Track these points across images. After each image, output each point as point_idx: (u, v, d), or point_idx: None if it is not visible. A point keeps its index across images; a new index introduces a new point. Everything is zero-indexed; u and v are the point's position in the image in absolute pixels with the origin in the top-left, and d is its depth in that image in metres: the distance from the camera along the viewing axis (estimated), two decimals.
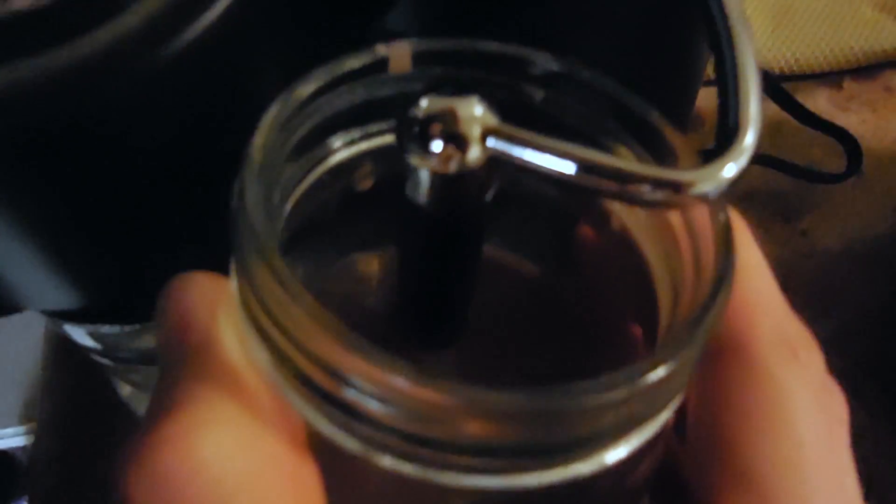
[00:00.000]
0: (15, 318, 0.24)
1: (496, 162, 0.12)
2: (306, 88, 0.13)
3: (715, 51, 0.14)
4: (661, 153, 0.13)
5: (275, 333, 0.11)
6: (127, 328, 0.23)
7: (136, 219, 0.17)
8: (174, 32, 0.13)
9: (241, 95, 0.16)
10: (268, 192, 0.11)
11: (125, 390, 0.31)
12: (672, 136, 0.13)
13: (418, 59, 0.14)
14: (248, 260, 0.11)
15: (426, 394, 0.10)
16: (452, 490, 0.11)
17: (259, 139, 0.12)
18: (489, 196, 0.13)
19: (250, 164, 0.11)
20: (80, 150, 0.15)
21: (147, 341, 0.25)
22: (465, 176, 0.13)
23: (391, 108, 0.13)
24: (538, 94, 0.14)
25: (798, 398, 0.12)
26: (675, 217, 0.13)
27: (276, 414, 0.11)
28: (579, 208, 0.16)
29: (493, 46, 0.14)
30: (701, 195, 0.12)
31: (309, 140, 0.13)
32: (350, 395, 0.10)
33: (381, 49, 0.13)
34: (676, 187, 0.12)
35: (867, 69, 0.43)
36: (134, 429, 0.11)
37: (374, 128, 0.14)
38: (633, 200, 0.12)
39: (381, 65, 0.13)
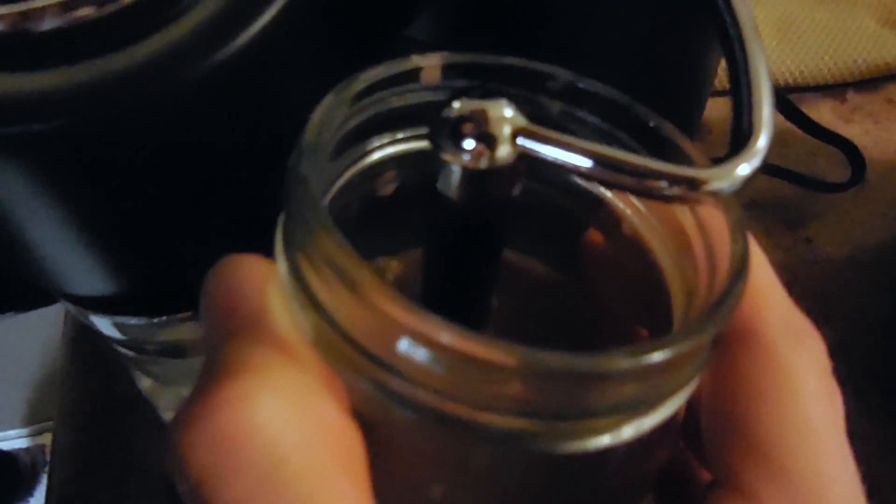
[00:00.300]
0: (19, 321, 0.25)
1: (524, 160, 0.13)
2: (353, 88, 0.13)
3: (728, 57, 0.14)
4: (675, 162, 0.14)
5: (328, 298, 0.11)
6: (154, 320, 0.24)
7: (171, 215, 0.18)
8: (220, 44, 0.14)
9: (276, 104, 0.16)
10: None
11: (145, 383, 0.32)
12: (686, 146, 0.14)
13: (447, 70, 0.15)
14: (307, 228, 0.11)
15: (479, 350, 0.10)
16: (481, 451, 0.12)
17: (314, 123, 0.12)
18: (516, 192, 0.14)
19: (306, 142, 0.12)
20: (126, 149, 0.15)
21: (171, 334, 0.26)
22: (494, 173, 0.13)
23: (420, 116, 0.14)
24: (555, 107, 0.15)
25: (806, 380, 0.13)
26: (687, 221, 0.14)
27: (324, 382, 0.12)
28: (590, 214, 0.16)
29: (515, 61, 0.15)
30: (716, 192, 0.13)
31: (345, 142, 0.14)
32: (401, 355, 0.11)
33: (416, 59, 0.14)
34: (693, 184, 0.13)
35: (870, 81, 0.44)
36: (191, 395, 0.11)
37: (401, 134, 0.15)
38: (651, 195, 0.13)
39: (415, 74, 0.14)
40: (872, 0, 0.45)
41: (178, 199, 0.17)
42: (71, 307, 0.24)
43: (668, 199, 0.13)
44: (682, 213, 0.14)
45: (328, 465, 0.11)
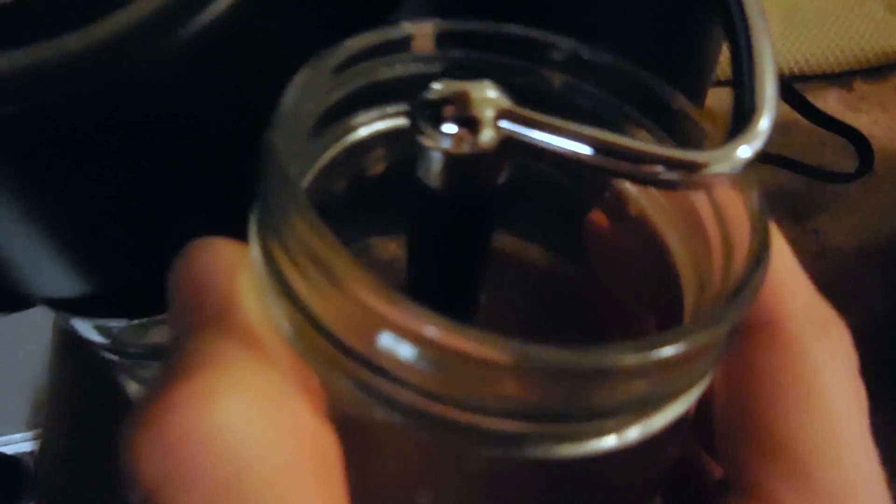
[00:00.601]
0: (23, 324, 0.24)
1: (509, 145, 0.12)
2: (334, 59, 0.12)
3: (730, 36, 0.13)
4: (686, 137, 0.13)
5: (304, 288, 0.10)
6: (134, 322, 0.23)
7: (143, 205, 0.17)
8: (189, 17, 0.13)
9: (253, 80, 0.15)
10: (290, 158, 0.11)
11: (132, 388, 0.31)
12: (700, 119, 0.13)
13: (441, 39, 0.13)
14: (281, 210, 0.10)
15: (469, 345, 0.09)
16: (472, 456, 0.11)
17: (290, 97, 0.12)
18: (501, 179, 0.13)
19: (280, 118, 0.11)
20: (93, 134, 0.14)
21: (154, 336, 0.25)
22: (478, 158, 0.12)
23: (410, 88, 0.13)
24: (558, 80, 0.14)
25: (831, 372, 0.12)
26: (700, 201, 0.13)
27: (298, 380, 0.11)
28: (594, 195, 0.15)
29: (514, 29, 0.14)
30: (716, 175, 0.12)
31: (327, 118, 0.13)
32: (383, 352, 0.10)
33: (407, 26, 0.13)
34: (690, 167, 0.12)
35: (878, 70, 0.43)
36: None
37: (391, 109, 0.14)
38: (647, 181, 0.12)
39: (405, 42, 0.13)
40: None
41: (149, 188, 0.17)
42: (52, 317, 0.23)
43: (667, 186, 0.12)
44: (696, 194, 0.13)
45: (298, 474, 0.10)
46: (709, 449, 0.14)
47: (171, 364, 0.10)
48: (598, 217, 0.15)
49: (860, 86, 0.43)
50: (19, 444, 1.12)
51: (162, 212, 0.17)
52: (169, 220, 0.18)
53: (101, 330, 0.24)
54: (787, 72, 0.42)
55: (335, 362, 0.11)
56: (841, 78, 0.43)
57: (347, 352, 0.10)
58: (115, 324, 0.24)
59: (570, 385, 0.10)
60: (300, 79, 0.12)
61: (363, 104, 0.14)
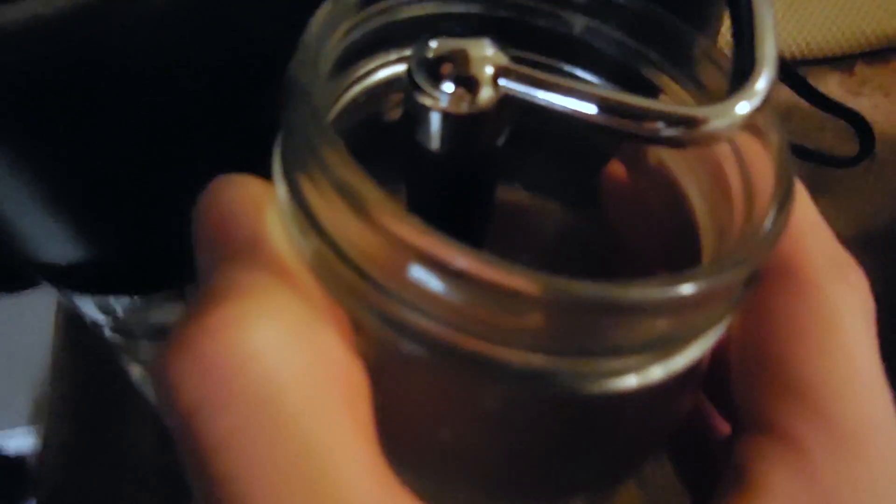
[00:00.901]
0: (26, 315, 0.24)
1: (507, 103, 0.12)
2: None
3: None
4: (706, 82, 0.13)
5: (333, 221, 0.10)
6: (137, 300, 0.23)
7: (145, 167, 0.17)
8: None
9: (244, 42, 0.15)
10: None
11: (136, 372, 0.31)
12: (722, 61, 0.13)
13: None
14: (309, 144, 0.10)
15: (499, 276, 0.09)
16: (495, 393, 0.11)
17: (317, 24, 0.11)
18: (501, 140, 0.13)
19: (307, 47, 0.11)
20: (81, 95, 0.14)
21: (157, 315, 0.25)
22: (477, 118, 0.12)
23: (433, 30, 0.13)
24: (580, 24, 0.14)
25: (850, 316, 0.12)
26: (722, 149, 0.13)
27: (328, 313, 0.11)
28: (611, 145, 0.15)
29: None
30: (714, 132, 0.12)
31: (347, 57, 0.13)
32: (412, 283, 0.10)
33: None
34: (690, 123, 0.12)
35: (879, 53, 0.43)
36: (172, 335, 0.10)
37: (410, 52, 0.14)
38: (649, 139, 0.12)
39: None
40: None
41: (147, 153, 0.16)
42: (54, 291, 0.23)
43: (668, 143, 0.12)
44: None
45: (329, 402, 0.10)
46: (719, 403, 0.15)
47: (202, 293, 0.10)
48: (615, 168, 0.15)
49: (861, 70, 0.43)
50: (22, 440, 1.12)
51: (162, 180, 0.17)
52: (169, 190, 0.18)
53: (104, 308, 0.24)
54: (787, 56, 0.42)
55: (362, 297, 0.11)
56: (842, 62, 0.43)
57: (375, 285, 0.10)
58: (118, 302, 0.24)
59: (596, 320, 0.10)
60: (324, 11, 0.12)
61: (383, 45, 0.14)
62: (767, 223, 0.11)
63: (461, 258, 0.09)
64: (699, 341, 0.11)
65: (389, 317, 0.10)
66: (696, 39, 0.14)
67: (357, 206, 0.10)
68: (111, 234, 0.19)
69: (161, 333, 0.26)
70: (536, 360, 0.10)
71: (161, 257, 0.20)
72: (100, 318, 0.25)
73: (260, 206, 0.11)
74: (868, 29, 0.42)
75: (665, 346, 0.11)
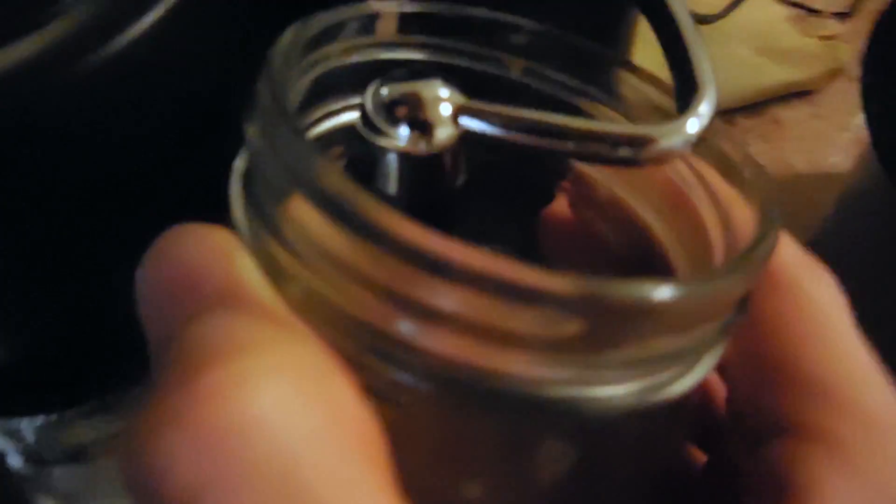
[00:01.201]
0: None
1: (465, 139, 0.12)
2: (304, 33, 0.12)
3: (651, 19, 0.14)
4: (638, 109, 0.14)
5: (325, 246, 0.10)
6: (52, 418, 0.21)
7: (62, 249, 0.15)
8: (104, 40, 0.13)
9: (186, 99, 0.15)
10: None
11: None
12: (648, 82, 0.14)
13: (405, 22, 0.14)
14: (293, 169, 0.10)
15: (535, 278, 0.09)
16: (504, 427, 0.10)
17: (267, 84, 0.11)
18: (460, 180, 0.13)
19: (275, 66, 0.11)
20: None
21: (76, 434, 0.22)
22: (434, 159, 0.12)
23: (372, 76, 0.12)
24: (518, 67, 0.14)
25: (837, 311, 0.12)
26: (679, 174, 0.13)
27: (329, 356, 0.09)
28: (553, 185, 0.15)
29: (477, 12, 0.14)
30: (667, 150, 0.12)
31: (302, 104, 0.13)
32: (422, 296, 0.09)
33: (374, 5, 0.13)
34: (641, 143, 0.12)
35: (754, 106, 0.46)
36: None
37: (352, 101, 0.14)
38: (603, 160, 0.12)
39: (370, 22, 0.13)
40: (744, 32, 0.48)
41: (73, 219, 0.15)
42: None
43: (624, 163, 0.13)
44: (673, 170, 0.14)
45: (352, 462, 0.09)
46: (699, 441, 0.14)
47: (175, 361, 0.09)
48: (557, 207, 0.15)
49: (742, 121, 0.46)
50: None
51: (84, 258, 0.16)
52: (94, 270, 0.16)
53: (11, 434, 0.22)
54: None
55: (363, 335, 0.10)
56: (724, 115, 0.46)
57: (379, 315, 0.10)
58: (28, 424, 0.21)
59: (591, 326, 0.10)
60: (279, 56, 0.11)
61: (326, 94, 0.13)
62: (762, 231, 0.11)
63: (484, 260, 0.09)
64: (696, 368, 0.11)
65: (392, 352, 0.10)
66: (638, 70, 0.14)
67: (361, 217, 0.09)
68: (19, 335, 0.17)
69: (83, 454, 0.23)
70: (540, 379, 0.10)
71: (80, 358, 0.18)
72: (7, 446, 0.23)
73: (227, 252, 0.10)
74: (744, 86, 0.46)
75: (664, 367, 0.11)
